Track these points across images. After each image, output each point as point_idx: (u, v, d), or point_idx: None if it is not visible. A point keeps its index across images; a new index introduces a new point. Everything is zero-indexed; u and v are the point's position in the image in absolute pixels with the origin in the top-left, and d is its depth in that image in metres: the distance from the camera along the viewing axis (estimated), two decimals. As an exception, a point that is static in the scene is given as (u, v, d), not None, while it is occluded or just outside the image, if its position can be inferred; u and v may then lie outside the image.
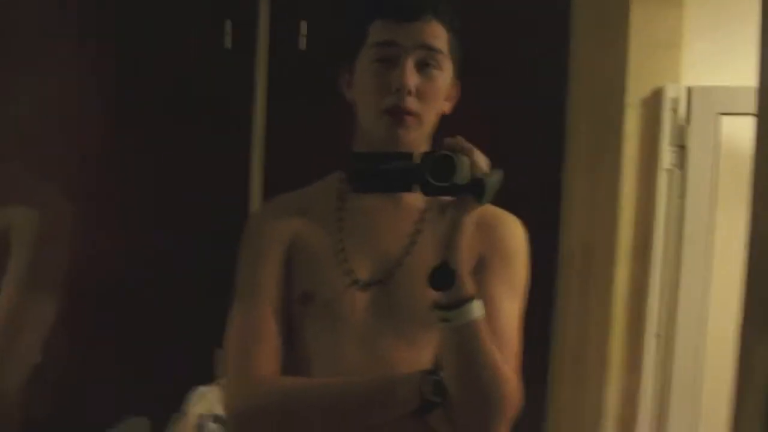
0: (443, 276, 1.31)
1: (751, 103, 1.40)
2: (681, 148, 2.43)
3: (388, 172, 1.31)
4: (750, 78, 1.41)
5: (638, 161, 2.45)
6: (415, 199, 1.49)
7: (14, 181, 1.51)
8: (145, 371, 2.67)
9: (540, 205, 1.57)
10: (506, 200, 1.50)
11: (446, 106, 1.52)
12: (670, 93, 2.42)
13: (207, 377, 2.53)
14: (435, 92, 1.45)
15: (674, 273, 2.44)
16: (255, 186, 2.93)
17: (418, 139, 1.45)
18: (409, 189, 1.32)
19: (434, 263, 1.32)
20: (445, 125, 1.51)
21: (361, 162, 1.33)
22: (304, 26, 2.85)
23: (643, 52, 2.42)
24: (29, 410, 1.87)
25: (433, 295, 1.34)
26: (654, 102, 2.44)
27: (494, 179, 1.30)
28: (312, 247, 1.50)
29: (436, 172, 1.28)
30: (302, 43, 2.86)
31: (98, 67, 2.71)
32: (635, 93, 2.43)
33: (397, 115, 1.42)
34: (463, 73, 1.54)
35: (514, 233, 1.53)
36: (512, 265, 1.50)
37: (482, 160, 1.30)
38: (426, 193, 1.30)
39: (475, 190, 1.29)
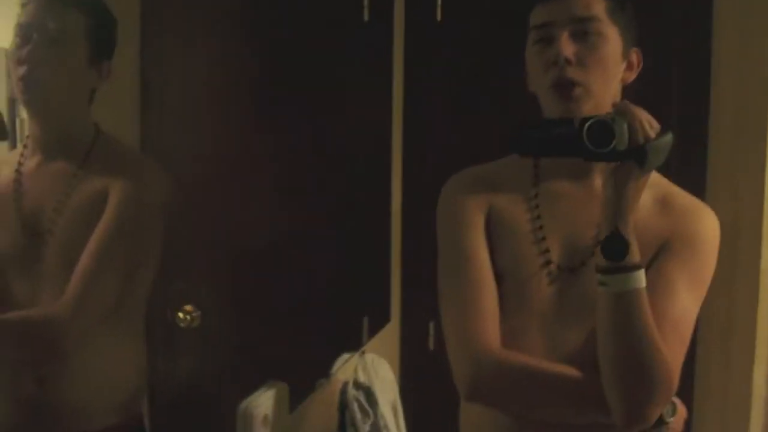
0: (615, 245, 1.29)
1: None
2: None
3: (549, 138, 1.31)
4: None
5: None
6: None
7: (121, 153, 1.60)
8: (291, 338, 2.78)
9: (684, 182, 1.53)
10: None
11: (627, 75, 1.48)
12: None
13: (354, 345, 2.61)
14: (599, 60, 1.41)
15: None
16: (396, 157, 2.98)
17: (595, 110, 1.38)
18: (570, 154, 1.31)
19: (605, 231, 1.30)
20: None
21: (524, 127, 1.33)
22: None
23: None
24: (174, 370, 1.98)
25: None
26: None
27: (658, 144, 1.27)
28: (509, 222, 1.49)
29: (593, 138, 1.27)
30: (438, 14, 2.88)
31: (242, 43, 2.80)
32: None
33: (562, 87, 1.40)
34: (638, 39, 1.49)
35: (707, 225, 1.44)
36: (699, 256, 1.42)
37: (648, 125, 1.28)
38: (587, 159, 1.30)
39: (637, 156, 1.27)
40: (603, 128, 1.27)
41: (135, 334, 1.65)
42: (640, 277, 1.30)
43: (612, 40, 1.42)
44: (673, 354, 1.34)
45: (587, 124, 1.27)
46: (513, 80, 1.59)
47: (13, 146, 1.55)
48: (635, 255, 1.31)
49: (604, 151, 1.27)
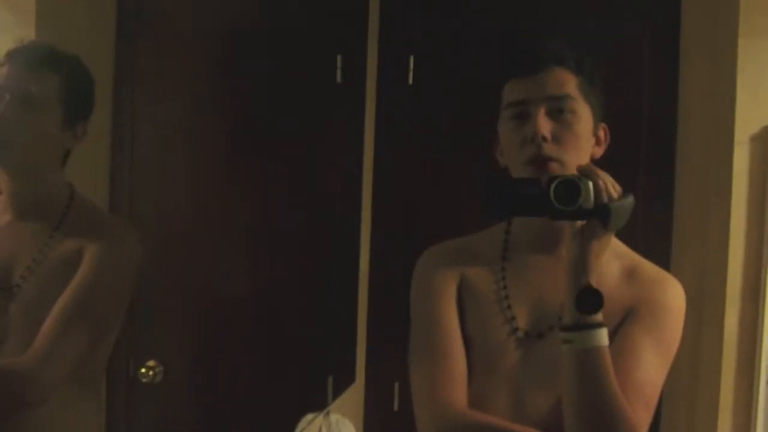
0: (589, 298, 1.32)
1: None
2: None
3: (516, 197, 1.34)
4: None
5: (748, 200, 2.40)
6: None
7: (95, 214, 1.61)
8: (256, 395, 2.74)
9: (650, 247, 1.58)
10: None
11: (596, 151, 1.52)
12: (780, 130, 2.36)
13: (319, 404, 2.59)
14: (572, 137, 1.45)
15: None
16: (365, 215, 2.99)
17: None
18: (537, 213, 1.34)
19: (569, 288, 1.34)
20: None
21: (492, 188, 1.35)
22: (411, 61, 2.91)
23: (752, 89, 2.37)
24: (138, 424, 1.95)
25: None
26: (763, 139, 2.38)
27: (621, 205, 1.31)
28: (477, 292, 1.53)
29: (560, 197, 1.30)
30: (410, 78, 2.92)
31: (215, 104, 2.81)
32: (744, 131, 2.38)
33: (539, 163, 1.43)
34: (606, 116, 1.54)
35: (673, 294, 1.47)
36: (665, 324, 1.44)
37: (611, 187, 1.32)
38: (553, 217, 1.32)
39: (601, 214, 1.30)
40: (569, 187, 1.30)
41: (94, 390, 1.64)
42: (603, 335, 1.33)
43: (584, 117, 1.47)
44: (637, 416, 1.35)
45: (554, 183, 1.31)
46: (483, 144, 1.62)
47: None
48: (598, 314, 1.33)
49: (570, 209, 1.30)
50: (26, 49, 1.45)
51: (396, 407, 2.99)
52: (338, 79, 2.87)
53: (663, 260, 2.65)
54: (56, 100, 1.47)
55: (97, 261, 1.49)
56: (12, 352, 1.44)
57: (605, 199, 1.31)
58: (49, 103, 1.47)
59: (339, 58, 2.86)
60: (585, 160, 1.47)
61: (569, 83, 1.47)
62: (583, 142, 1.47)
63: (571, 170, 1.41)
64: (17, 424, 1.46)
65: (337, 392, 2.82)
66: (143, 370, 1.91)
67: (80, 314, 1.46)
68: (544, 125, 1.43)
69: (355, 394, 3.02)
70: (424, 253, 1.63)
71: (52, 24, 1.52)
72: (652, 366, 1.41)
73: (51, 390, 1.45)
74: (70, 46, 1.51)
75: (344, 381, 2.94)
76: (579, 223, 1.35)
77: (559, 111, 1.45)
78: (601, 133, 1.53)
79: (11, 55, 1.44)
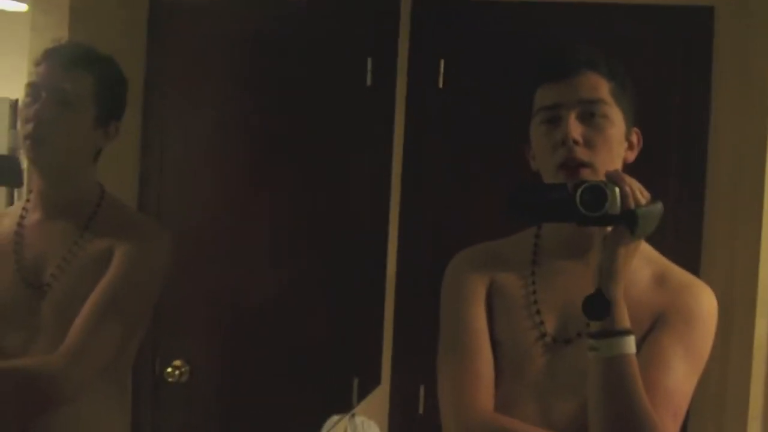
0: (597, 305, 1.31)
1: None
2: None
3: (543, 203, 1.34)
4: None
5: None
6: None
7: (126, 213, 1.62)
8: (281, 397, 2.76)
9: (679, 254, 1.56)
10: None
11: (629, 155, 1.51)
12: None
13: (344, 406, 2.60)
14: (604, 141, 1.44)
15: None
16: (393, 217, 2.99)
17: None
18: (563, 219, 1.34)
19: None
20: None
21: (519, 193, 1.35)
22: (442, 65, 2.91)
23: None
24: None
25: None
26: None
27: (649, 211, 1.30)
28: (507, 296, 1.53)
29: (586, 202, 1.29)
30: (440, 81, 2.92)
31: (243, 105, 2.83)
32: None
33: (570, 168, 1.43)
34: (638, 121, 1.53)
35: (704, 301, 1.45)
36: (695, 331, 1.42)
37: (639, 192, 1.31)
38: (580, 223, 1.31)
39: (628, 220, 1.29)
40: (596, 192, 1.29)
41: (121, 388, 1.65)
42: (630, 343, 1.32)
43: (616, 121, 1.46)
44: (664, 425, 1.34)
45: (581, 189, 1.30)
46: (513, 148, 1.62)
47: (10, 202, 1.56)
48: (625, 321, 1.32)
49: (597, 215, 1.29)
50: (62, 49, 1.47)
51: (421, 410, 2.99)
52: (368, 81, 2.86)
53: (692, 268, 2.62)
54: (90, 98, 1.49)
55: (127, 260, 1.50)
56: (43, 350, 1.45)
57: (632, 205, 1.29)
58: (83, 102, 1.48)
59: (369, 60, 2.86)
60: (617, 164, 1.46)
61: (601, 88, 1.46)
62: (615, 146, 1.46)
63: (603, 175, 1.39)
64: (46, 422, 1.47)
65: (363, 394, 2.82)
66: (169, 370, 1.92)
67: (111, 313, 1.47)
68: (576, 129, 1.42)
69: (380, 396, 3.02)
70: (454, 256, 1.62)
71: (85, 25, 1.54)
72: (681, 374, 1.39)
73: (81, 388, 1.46)
74: (102, 47, 1.52)
75: (370, 383, 2.94)
76: (607, 228, 1.34)
77: (590, 115, 1.44)
78: (634, 138, 1.52)
79: (47, 54, 1.46)
